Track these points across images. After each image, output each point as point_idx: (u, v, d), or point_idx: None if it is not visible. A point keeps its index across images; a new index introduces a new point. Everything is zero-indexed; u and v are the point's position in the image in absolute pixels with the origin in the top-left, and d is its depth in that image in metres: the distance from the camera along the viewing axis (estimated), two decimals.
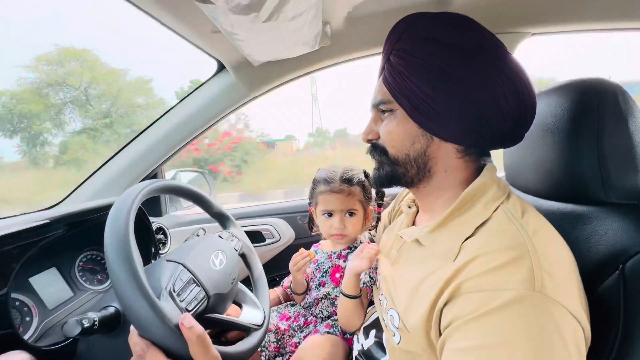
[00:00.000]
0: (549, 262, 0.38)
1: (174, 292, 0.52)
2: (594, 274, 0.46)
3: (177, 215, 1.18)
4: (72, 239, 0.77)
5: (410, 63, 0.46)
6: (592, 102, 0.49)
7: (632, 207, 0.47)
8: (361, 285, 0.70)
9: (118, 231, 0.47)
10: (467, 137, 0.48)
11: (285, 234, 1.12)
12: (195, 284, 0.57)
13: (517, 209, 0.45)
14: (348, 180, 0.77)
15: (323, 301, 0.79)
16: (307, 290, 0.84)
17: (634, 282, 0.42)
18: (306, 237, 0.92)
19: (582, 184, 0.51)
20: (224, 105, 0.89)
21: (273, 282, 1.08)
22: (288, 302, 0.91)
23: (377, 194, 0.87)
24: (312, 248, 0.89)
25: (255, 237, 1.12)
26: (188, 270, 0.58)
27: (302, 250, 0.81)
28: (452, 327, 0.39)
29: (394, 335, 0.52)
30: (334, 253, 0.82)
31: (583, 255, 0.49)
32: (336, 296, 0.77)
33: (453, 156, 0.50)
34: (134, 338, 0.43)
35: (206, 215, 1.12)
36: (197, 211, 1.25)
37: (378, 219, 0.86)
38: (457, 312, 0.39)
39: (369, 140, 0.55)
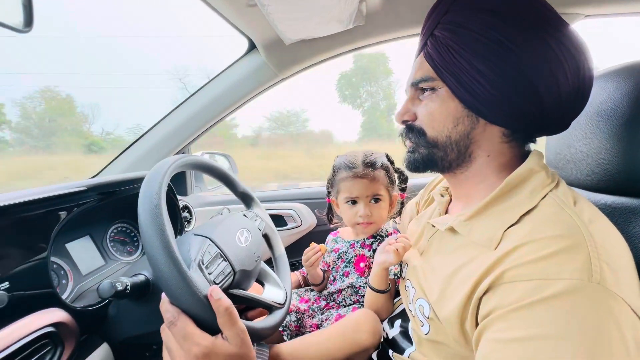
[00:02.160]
0: (608, 253, 0.35)
1: (203, 264, 0.53)
2: None
3: (202, 196, 1.20)
4: (105, 210, 0.80)
5: (462, 36, 0.43)
6: None
7: None
8: (391, 276, 0.67)
9: (151, 201, 0.48)
10: (518, 120, 0.44)
11: (307, 219, 1.12)
12: (222, 259, 0.57)
13: (568, 198, 0.42)
14: (371, 164, 0.74)
15: (347, 290, 0.77)
16: (325, 280, 0.82)
17: None
18: (328, 226, 0.91)
19: (639, 174, 0.47)
20: (252, 86, 0.89)
21: (293, 267, 1.09)
22: (308, 287, 0.90)
23: (400, 178, 0.83)
24: (331, 236, 0.86)
25: (277, 221, 1.12)
26: (215, 244, 0.58)
27: (312, 244, 0.78)
28: (492, 317, 0.36)
29: (422, 326, 0.50)
30: (357, 242, 0.79)
31: (637, 252, 0.45)
32: (361, 286, 0.75)
33: (498, 140, 0.47)
34: (165, 305, 0.44)
35: (229, 197, 1.14)
36: (221, 192, 1.27)
37: (402, 205, 0.84)
38: (499, 301, 0.36)
39: (404, 122, 0.52)
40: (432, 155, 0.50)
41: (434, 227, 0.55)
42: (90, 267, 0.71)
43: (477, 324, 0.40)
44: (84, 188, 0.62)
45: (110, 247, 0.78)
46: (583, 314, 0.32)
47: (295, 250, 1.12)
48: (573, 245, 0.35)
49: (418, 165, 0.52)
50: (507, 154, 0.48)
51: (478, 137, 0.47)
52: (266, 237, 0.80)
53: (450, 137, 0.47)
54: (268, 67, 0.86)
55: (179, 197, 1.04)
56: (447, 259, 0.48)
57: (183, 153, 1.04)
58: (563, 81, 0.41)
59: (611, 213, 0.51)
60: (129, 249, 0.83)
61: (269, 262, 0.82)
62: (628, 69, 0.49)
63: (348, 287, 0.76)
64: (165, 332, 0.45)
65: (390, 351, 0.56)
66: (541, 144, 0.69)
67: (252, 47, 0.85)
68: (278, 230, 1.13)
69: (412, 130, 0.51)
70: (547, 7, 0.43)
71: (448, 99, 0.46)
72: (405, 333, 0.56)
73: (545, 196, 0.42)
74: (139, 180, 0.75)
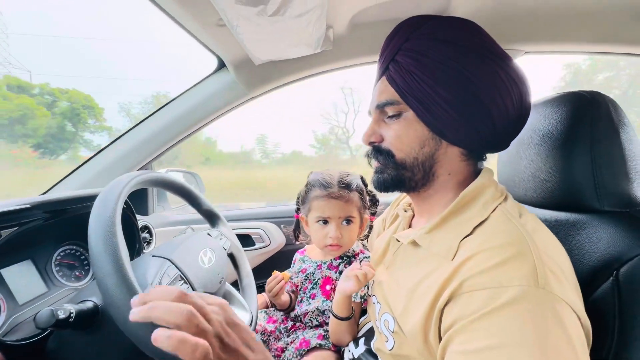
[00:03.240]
0: (550, 260, 0.38)
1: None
2: (589, 280, 0.47)
3: (165, 215, 1.14)
4: (51, 231, 0.73)
5: (424, 64, 0.46)
6: (586, 113, 0.51)
7: (625, 214, 0.48)
8: (357, 300, 0.67)
9: (105, 221, 0.44)
10: (474, 140, 0.49)
11: (276, 238, 1.10)
12: (182, 281, 0.54)
13: (514, 210, 0.46)
14: (347, 185, 0.73)
15: (313, 312, 0.75)
16: (294, 302, 0.80)
17: (628, 288, 0.42)
18: (298, 245, 0.89)
19: (576, 192, 0.52)
20: (221, 104, 0.88)
21: (261, 288, 1.04)
22: (276, 307, 0.87)
23: (372, 202, 0.84)
24: (298, 255, 0.85)
25: (245, 240, 1.09)
26: (175, 266, 0.55)
27: (275, 273, 0.76)
28: (455, 329, 0.38)
29: (387, 341, 0.51)
30: (324, 263, 0.78)
31: (578, 262, 0.49)
32: (326, 309, 0.74)
33: (457, 159, 0.51)
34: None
35: (193, 217, 1.09)
36: (184, 212, 1.22)
37: (370, 228, 0.85)
38: (460, 311, 0.38)
39: (371, 143, 0.54)
40: (400, 176, 0.52)
41: (399, 241, 0.57)
42: (29, 295, 0.64)
43: (439, 336, 0.41)
44: (27, 206, 0.56)
45: (55, 272, 0.71)
46: (533, 319, 0.34)
47: (264, 271, 1.08)
48: (519, 252, 0.38)
49: (388, 185, 0.54)
50: (464, 172, 0.52)
51: (441, 158, 0.50)
52: (232, 256, 0.78)
53: (417, 158, 0.50)
54: (238, 85, 0.86)
55: (139, 216, 0.98)
56: (410, 272, 0.50)
57: (146, 170, 0.99)
58: (510, 106, 0.46)
59: (554, 227, 0.55)
60: (77, 273, 0.76)
61: (235, 283, 0.78)
62: (562, 97, 0.56)
63: (314, 310, 0.74)
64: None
65: None
66: (493, 165, 0.75)
67: (222, 65, 0.85)
68: (246, 251, 1.10)
69: (379, 152, 0.53)
70: (495, 43, 0.48)
71: (414, 122, 0.49)
72: (369, 351, 0.56)
73: (495, 209, 0.46)
74: (92, 198, 0.70)
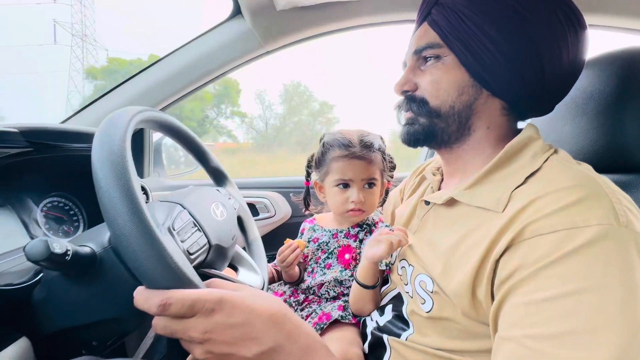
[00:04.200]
0: (626, 200, 0.35)
1: (174, 229, 0.43)
2: None
3: (161, 180, 1.06)
4: (36, 178, 0.64)
5: (474, 1, 0.42)
6: None
7: None
8: (382, 267, 0.62)
9: (111, 147, 0.37)
10: (519, 92, 0.45)
11: (282, 209, 1.04)
12: (196, 228, 0.48)
13: (571, 159, 0.42)
14: (369, 145, 0.67)
15: (330, 282, 0.68)
16: (302, 274, 0.73)
17: None
18: (304, 216, 0.83)
19: (627, 151, 0.50)
20: (233, 55, 0.80)
21: (268, 259, 0.99)
22: (282, 281, 0.81)
23: (389, 166, 0.77)
24: (306, 224, 0.78)
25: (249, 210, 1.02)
26: (188, 211, 0.49)
27: (288, 241, 0.69)
28: (517, 280, 0.33)
29: (423, 303, 0.46)
30: (340, 232, 0.71)
31: None
32: (345, 279, 0.68)
33: (498, 113, 0.47)
34: (141, 296, 0.34)
35: (193, 182, 1.01)
36: (182, 181, 1.13)
37: (386, 194, 0.80)
38: (523, 259, 0.33)
39: (403, 92, 0.50)
40: (432, 127, 0.48)
41: (428, 204, 0.53)
42: (9, 245, 0.56)
43: (492, 292, 0.37)
44: (14, 130, 0.48)
45: (41, 224, 0.63)
46: (618, 260, 0.30)
47: (268, 242, 1.01)
48: (592, 193, 0.34)
49: (418, 137, 0.50)
50: (504, 127, 0.48)
51: (480, 109, 0.46)
52: (240, 219, 0.71)
53: (453, 107, 0.46)
54: (253, 35, 0.79)
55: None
56: (447, 232, 0.46)
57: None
58: (564, 56, 0.42)
59: None
60: (65, 228, 0.67)
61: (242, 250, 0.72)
62: (613, 55, 0.52)
63: (331, 281, 0.68)
64: (167, 326, 0.34)
65: (385, 336, 0.50)
66: None
67: (238, 11, 0.77)
68: None
69: (413, 100, 0.49)
70: None
71: (454, 67, 0.45)
72: (399, 316, 0.51)
73: (547, 159, 0.42)
74: (87, 136, 0.61)
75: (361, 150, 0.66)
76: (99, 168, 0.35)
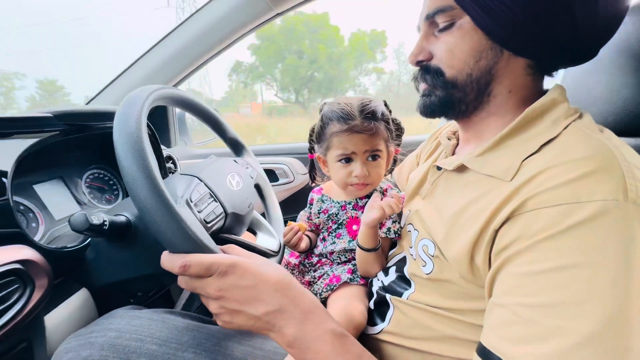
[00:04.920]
0: None
1: (191, 201, 0.48)
2: None
3: (187, 149, 1.13)
4: (78, 152, 0.72)
5: None
6: None
7: None
8: (392, 235, 0.63)
9: (129, 130, 0.40)
10: (547, 48, 0.40)
11: (300, 174, 1.07)
12: (212, 199, 0.52)
13: (593, 126, 0.39)
14: (372, 114, 0.63)
15: (340, 251, 0.71)
16: (314, 242, 0.76)
17: None
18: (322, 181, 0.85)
19: None
20: (243, 20, 0.79)
21: (285, 224, 1.05)
22: None
23: (396, 130, 0.72)
24: (315, 195, 0.78)
25: (268, 176, 1.06)
26: (205, 184, 0.53)
27: (290, 224, 0.70)
28: (514, 250, 0.34)
29: (424, 265, 0.48)
30: (349, 203, 0.71)
31: None
32: (354, 248, 0.69)
33: (522, 73, 0.43)
34: (165, 259, 0.39)
35: (219, 151, 1.06)
36: (210, 146, 1.19)
37: (395, 162, 0.76)
38: (521, 231, 0.34)
39: (418, 62, 0.47)
40: (449, 97, 0.45)
41: (439, 169, 0.52)
42: (64, 212, 0.65)
43: (489, 259, 0.38)
44: (49, 115, 0.54)
45: (86, 193, 0.72)
46: (618, 235, 0.29)
47: (288, 207, 1.08)
48: (605, 165, 0.32)
49: (434, 108, 0.47)
50: (529, 88, 0.44)
51: (500, 72, 0.43)
52: (258, 187, 0.76)
53: (471, 74, 0.43)
54: None
55: (163, 147, 0.96)
56: (454, 197, 0.46)
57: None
58: (601, 2, 0.37)
59: None
60: (107, 196, 0.76)
61: (262, 215, 0.78)
62: None
63: (340, 250, 0.71)
64: (189, 283, 0.39)
65: (388, 295, 0.55)
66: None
67: None
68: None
69: (428, 71, 0.46)
70: None
71: (470, 31, 0.41)
72: (402, 277, 0.55)
73: (567, 126, 0.39)
74: (111, 115, 0.66)
75: (362, 123, 0.62)
76: (120, 150, 0.39)
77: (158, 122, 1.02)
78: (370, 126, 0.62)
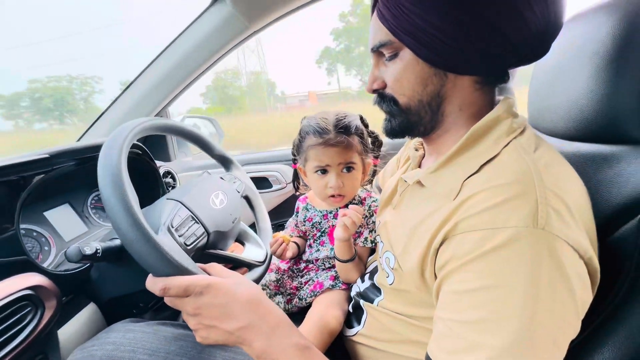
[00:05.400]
0: (557, 198, 0.35)
1: (172, 227, 0.53)
2: (612, 219, 0.42)
3: (187, 161, 1.19)
4: (83, 178, 0.79)
5: None
6: None
7: None
8: (369, 245, 0.67)
9: (111, 167, 0.45)
10: (487, 64, 0.42)
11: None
12: (194, 221, 0.58)
13: (530, 144, 0.41)
14: (345, 129, 0.66)
15: (323, 258, 0.76)
16: (303, 247, 0.81)
17: None
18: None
19: (617, 120, 0.44)
20: (222, 41, 0.82)
21: (281, 227, 1.11)
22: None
23: (373, 143, 0.77)
24: (300, 203, 0.84)
25: (262, 183, 1.12)
26: (186, 207, 0.58)
27: (275, 236, 0.74)
28: (448, 269, 0.37)
29: (387, 277, 0.52)
30: (330, 212, 0.76)
31: (604, 199, 0.44)
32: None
33: (470, 90, 0.45)
34: (149, 282, 0.44)
35: (214, 162, 1.11)
36: (206, 158, 1.25)
37: (374, 173, 0.80)
38: (453, 252, 0.37)
39: (374, 91, 0.49)
40: (408, 122, 0.48)
41: (406, 181, 0.55)
42: (73, 233, 0.73)
43: (435, 275, 0.41)
44: (46, 155, 0.60)
45: (92, 214, 0.79)
46: (527, 260, 0.32)
47: (282, 211, 1.13)
48: (522, 192, 0.35)
49: (396, 132, 0.50)
50: (479, 103, 0.46)
51: (449, 93, 0.44)
52: (247, 198, 0.80)
53: (422, 100, 0.45)
54: (237, 17, 0.79)
55: (161, 163, 1.03)
56: (414, 211, 0.49)
57: (160, 117, 1.00)
58: (530, 15, 0.38)
59: (584, 161, 0.49)
60: None
61: (254, 225, 0.83)
62: (612, 4, 0.44)
63: (324, 257, 0.76)
64: (173, 304, 0.44)
65: (362, 301, 0.59)
66: (523, 98, 0.66)
67: None
68: (263, 193, 1.14)
69: (383, 99, 0.48)
70: None
71: (412, 61, 0.43)
72: (374, 285, 0.59)
73: (508, 144, 0.41)
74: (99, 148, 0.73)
75: (336, 136, 0.65)
76: (103, 187, 0.44)
77: (156, 138, 1.08)
78: (343, 140, 0.66)
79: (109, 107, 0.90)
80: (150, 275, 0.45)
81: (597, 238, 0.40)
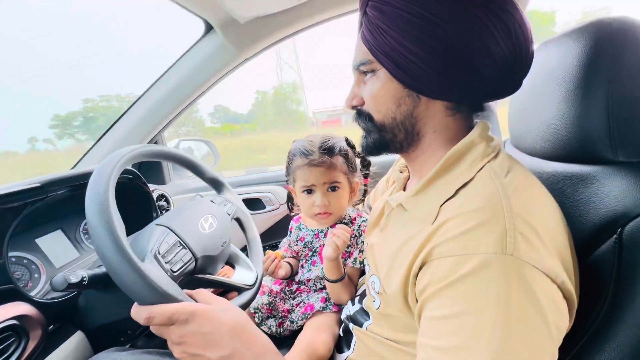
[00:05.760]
0: (525, 224, 0.35)
1: (159, 254, 0.53)
2: (591, 238, 0.43)
3: (181, 184, 1.20)
4: (76, 204, 0.80)
5: (387, 14, 0.42)
6: (608, 45, 0.43)
7: None
8: (357, 265, 0.68)
9: (98, 196, 0.47)
10: (457, 92, 0.44)
11: (285, 202, 1.13)
12: (181, 247, 0.58)
13: (503, 168, 0.42)
14: (328, 150, 0.70)
15: (315, 278, 0.76)
16: (296, 267, 0.81)
17: (631, 246, 0.38)
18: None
19: (589, 141, 0.46)
20: (215, 69, 0.86)
21: (274, 248, 1.11)
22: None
23: (362, 164, 0.80)
24: (293, 223, 0.85)
25: (255, 204, 1.13)
26: (174, 233, 0.59)
27: (268, 253, 0.76)
28: (426, 295, 0.38)
29: (374, 301, 0.52)
30: (321, 232, 0.77)
31: (582, 218, 0.45)
32: None
33: (442, 114, 0.46)
34: (133, 311, 0.44)
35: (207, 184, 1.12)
36: (200, 180, 1.27)
37: (365, 192, 0.82)
38: (431, 277, 0.37)
39: (353, 107, 0.52)
40: (383, 138, 0.50)
41: (392, 204, 0.56)
42: (65, 259, 0.73)
43: (417, 299, 0.41)
44: (38, 184, 0.62)
45: (84, 239, 0.80)
46: (496, 286, 0.32)
47: (275, 233, 1.13)
48: (491, 218, 0.35)
49: (371, 149, 0.52)
50: (453, 128, 0.47)
51: (422, 115, 0.46)
52: (238, 220, 0.81)
53: (395, 118, 0.47)
54: (228, 47, 0.83)
55: (156, 186, 1.04)
56: (397, 234, 0.49)
57: (155, 142, 1.03)
58: (495, 47, 0.40)
59: (562, 181, 0.50)
60: None
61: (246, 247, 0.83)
62: (582, 29, 0.47)
63: (315, 277, 0.76)
64: (158, 332, 0.44)
65: (352, 325, 0.58)
66: (504, 116, 0.68)
67: (210, 28, 0.81)
68: (257, 214, 1.14)
69: (360, 115, 0.51)
70: None
71: (388, 80, 0.45)
72: (363, 309, 0.58)
73: (482, 167, 0.42)
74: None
75: (320, 157, 0.68)
76: (89, 215, 0.45)
77: (151, 162, 1.10)
78: (326, 160, 0.69)
79: (105, 134, 0.92)
80: (135, 304, 0.46)
81: (578, 259, 0.41)
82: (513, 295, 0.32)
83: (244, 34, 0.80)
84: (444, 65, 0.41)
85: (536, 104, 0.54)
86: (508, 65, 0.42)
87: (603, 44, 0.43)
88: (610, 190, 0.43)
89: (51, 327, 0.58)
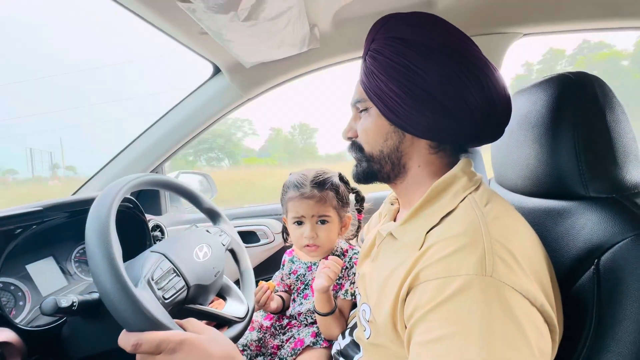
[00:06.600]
0: (503, 248, 0.38)
1: (152, 280, 0.54)
2: (572, 269, 0.45)
3: (177, 215, 1.21)
4: (70, 230, 0.80)
5: (380, 62, 0.48)
6: (570, 95, 0.49)
7: (610, 200, 0.46)
8: (348, 297, 0.68)
9: (99, 219, 0.48)
10: (437, 133, 0.49)
11: (279, 235, 1.13)
12: (175, 274, 0.58)
13: (482, 199, 0.45)
14: (320, 184, 0.73)
15: (306, 312, 0.76)
16: (287, 301, 0.81)
17: (608, 276, 0.40)
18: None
19: (562, 179, 0.50)
20: (219, 107, 0.93)
21: (268, 280, 1.09)
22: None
23: (356, 199, 0.83)
24: (286, 256, 0.86)
25: (250, 237, 1.13)
26: (169, 260, 0.59)
27: (261, 284, 0.76)
28: (414, 319, 0.39)
29: (364, 330, 0.52)
30: (314, 264, 0.78)
31: (562, 251, 0.48)
32: None
33: (426, 152, 0.51)
34: (121, 338, 0.44)
35: (203, 216, 1.15)
36: (195, 212, 1.28)
37: (359, 227, 0.84)
38: (417, 301, 0.39)
39: (348, 138, 0.57)
40: (371, 168, 0.54)
41: (382, 233, 0.58)
42: (52, 288, 0.72)
43: (405, 326, 0.42)
44: (40, 208, 0.63)
45: (74, 268, 0.79)
46: (478, 307, 0.34)
47: (269, 266, 1.12)
48: (471, 241, 0.38)
49: (360, 177, 0.56)
50: (436, 164, 0.52)
51: (408, 150, 0.51)
52: (232, 251, 0.81)
53: (382, 151, 0.52)
54: (233, 88, 0.90)
55: (151, 216, 1.05)
56: (387, 263, 0.51)
57: (156, 172, 1.06)
58: (470, 99, 0.45)
59: (542, 216, 0.53)
60: None
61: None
62: (549, 80, 0.53)
63: (307, 310, 0.76)
64: (143, 359, 0.43)
65: (342, 359, 0.57)
66: (488, 153, 0.73)
67: (217, 70, 0.89)
68: (251, 247, 1.14)
69: (353, 146, 0.56)
70: (451, 34, 0.47)
71: (377, 117, 0.51)
72: (354, 342, 0.57)
73: (464, 198, 0.45)
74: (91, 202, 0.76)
75: (311, 190, 0.72)
76: (89, 238, 0.46)
77: (149, 192, 1.12)
78: (316, 193, 0.72)
79: (108, 163, 0.96)
80: (123, 331, 0.45)
81: (562, 290, 0.42)
82: (495, 315, 0.33)
83: (248, 77, 0.87)
84: (424, 108, 0.46)
85: (514, 145, 0.59)
86: (484, 113, 0.47)
87: (567, 92, 0.49)
88: (585, 223, 0.46)
89: (32, 358, 0.55)
